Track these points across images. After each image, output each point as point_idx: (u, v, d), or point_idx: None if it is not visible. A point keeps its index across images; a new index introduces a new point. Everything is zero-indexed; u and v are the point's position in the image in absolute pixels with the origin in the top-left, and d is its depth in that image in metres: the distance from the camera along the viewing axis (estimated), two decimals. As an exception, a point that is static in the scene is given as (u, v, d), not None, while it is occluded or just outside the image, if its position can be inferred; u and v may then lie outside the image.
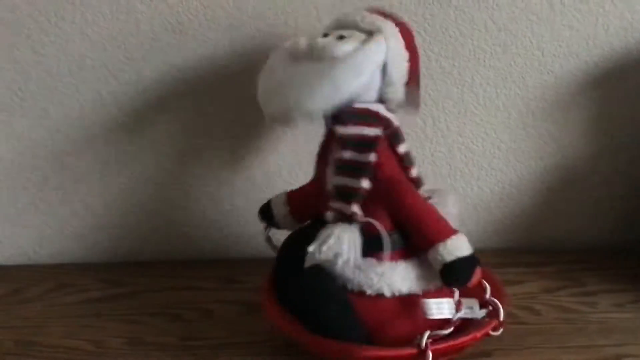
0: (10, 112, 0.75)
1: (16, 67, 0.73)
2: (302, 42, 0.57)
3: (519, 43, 0.74)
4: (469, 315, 0.55)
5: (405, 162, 0.59)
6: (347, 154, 0.55)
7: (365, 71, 0.54)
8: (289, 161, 0.77)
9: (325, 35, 0.57)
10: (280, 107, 0.55)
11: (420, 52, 0.70)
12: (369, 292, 0.56)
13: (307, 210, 0.62)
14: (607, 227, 0.81)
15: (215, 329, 0.66)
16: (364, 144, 0.55)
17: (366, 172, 0.55)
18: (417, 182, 0.59)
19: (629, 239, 0.81)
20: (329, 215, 0.56)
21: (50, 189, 0.78)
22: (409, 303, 0.56)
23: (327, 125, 0.58)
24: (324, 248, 0.54)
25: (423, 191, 0.60)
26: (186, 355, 0.62)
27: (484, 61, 0.74)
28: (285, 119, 0.55)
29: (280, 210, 0.64)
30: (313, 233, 0.59)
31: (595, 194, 0.80)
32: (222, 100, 0.75)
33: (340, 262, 0.54)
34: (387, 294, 0.56)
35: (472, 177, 0.79)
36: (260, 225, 0.66)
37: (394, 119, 0.58)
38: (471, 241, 0.79)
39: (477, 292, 0.56)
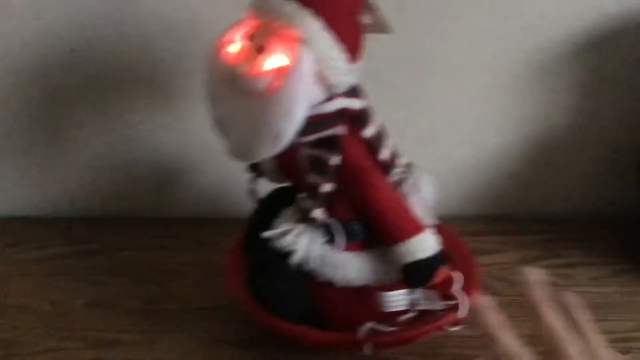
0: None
1: None
2: (223, 67, 0.51)
3: (512, 2, 0.70)
4: (425, 307, 0.54)
5: (372, 145, 0.55)
6: (314, 152, 0.53)
7: (297, 107, 0.48)
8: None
9: (251, 36, 0.50)
10: (232, 152, 0.52)
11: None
12: (321, 278, 0.55)
13: (291, 169, 0.59)
14: (588, 197, 0.80)
15: (182, 291, 0.64)
16: (327, 146, 0.53)
17: (330, 174, 0.53)
18: (387, 165, 0.56)
19: (610, 210, 0.79)
20: (299, 199, 0.55)
21: (12, 137, 0.75)
22: (363, 292, 0.55)
23: None
24: (281, 241, 0.54)
25: (395, 171, 0.57)
26: (150, 318, 0.61)
27: (474, 20, 0.71)
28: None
29: (267, 163, 0.61)
30: (290, 197, 0.58)
31: (580, 163, 0.78)
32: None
33: (294, 259, 0.54)
34: (339, 284, 0.55)
35: (454, 141, 0.77)
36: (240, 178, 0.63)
37: (355, 102, 0.54)
38: (451, 207, 0.78)
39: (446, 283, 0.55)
